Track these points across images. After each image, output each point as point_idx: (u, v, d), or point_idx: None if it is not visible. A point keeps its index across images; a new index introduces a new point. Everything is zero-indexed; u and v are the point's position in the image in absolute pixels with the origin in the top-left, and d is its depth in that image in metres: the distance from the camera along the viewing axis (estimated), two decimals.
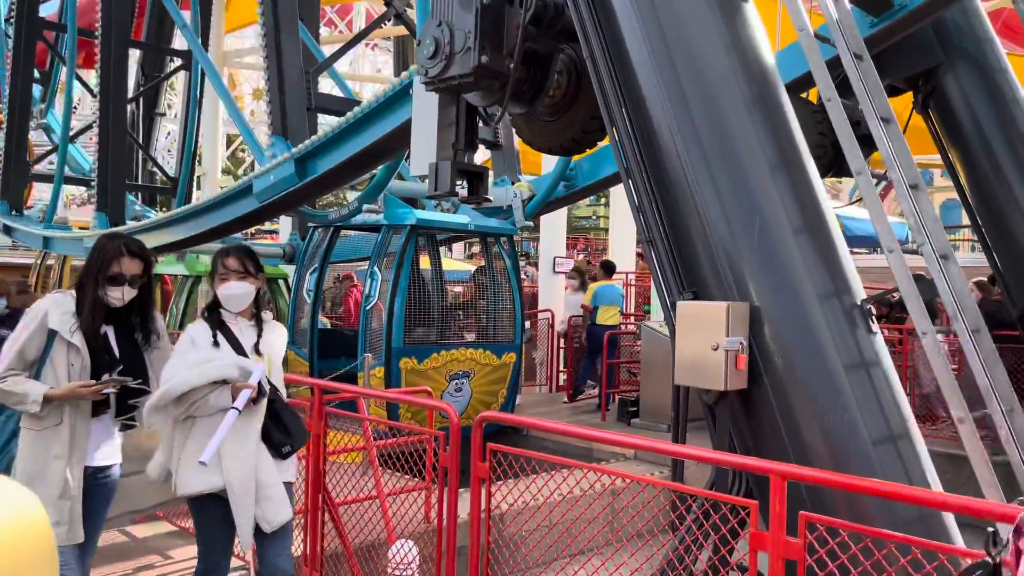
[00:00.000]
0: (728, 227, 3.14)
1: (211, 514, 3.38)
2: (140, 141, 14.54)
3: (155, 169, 15.29)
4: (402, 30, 14.74)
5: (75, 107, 18.34)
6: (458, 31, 3.73)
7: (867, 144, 3.58)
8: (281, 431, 3.42)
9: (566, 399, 11.09)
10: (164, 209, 14.23)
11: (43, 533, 0.72)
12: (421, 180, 4.30)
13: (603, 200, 29.02)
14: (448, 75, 3.81)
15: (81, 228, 11.96)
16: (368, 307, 7.95)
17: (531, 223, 8.89)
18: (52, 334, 3.26)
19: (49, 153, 14.85)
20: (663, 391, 8.43)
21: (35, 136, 15.29)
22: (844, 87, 3.44)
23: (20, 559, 0.72)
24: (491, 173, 8.98)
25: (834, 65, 3.61)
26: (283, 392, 3.61)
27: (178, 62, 14.60)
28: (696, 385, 3.11)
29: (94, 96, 10.79)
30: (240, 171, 33.92)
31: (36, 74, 14.18)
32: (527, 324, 9.88)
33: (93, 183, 10.48)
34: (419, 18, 5.85)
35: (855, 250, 17.30)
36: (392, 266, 7.85)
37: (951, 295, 3.21)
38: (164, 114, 18.67)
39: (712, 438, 3.20)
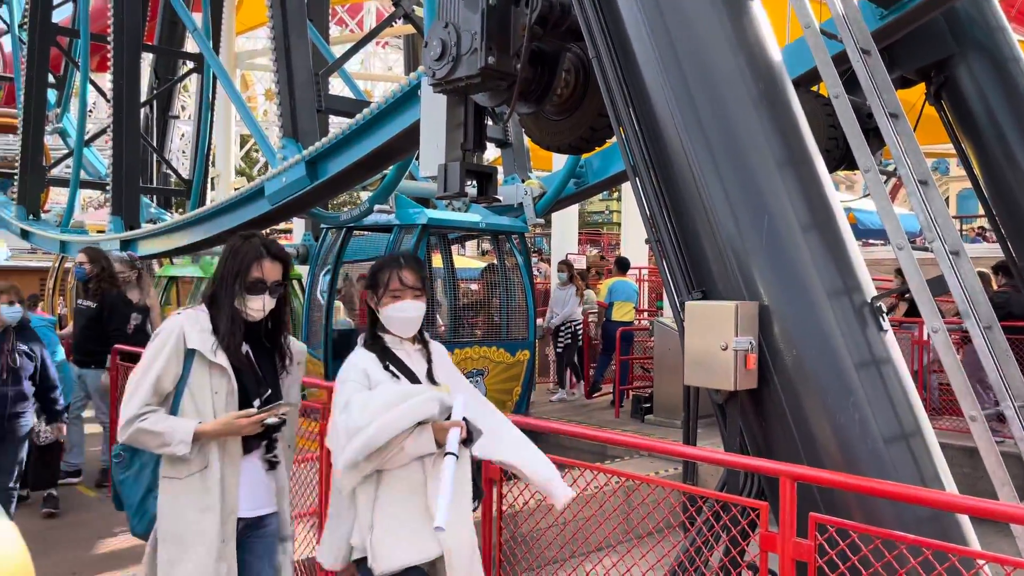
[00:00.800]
0: (736, 226, 3.12)
1: None
2: (154, 144, 14.66)
3: (169, 171, 15.42)
4: (412, 28, 14.77)
5: (90, 111, 18.50)
6: (464, 32, 3.73)
7: (878, 136, 3.55)
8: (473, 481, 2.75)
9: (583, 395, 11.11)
10: (179, 211, 14.37)
11: (21, 565, 0.72)
12: (431, 181, 4.30)
13: (615, 195, 28.95)
14: (455, 76, 3.81)
15: (98, 231, 12.09)
16: None
17: (542, 220, 8.89)
18: (189, 357, 2.71)
19: (65, 157, 14.99)
20: (677, 387, 8.41)
21: (51, 141, 15.46)
22: (853, 81, 3.41)
23: None
24: (501, 171, 9.02)
25: (843, 59, 3.59)
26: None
27: (190, 65, 14.70)
28: (706, 385, 3.10)
29: (108, 100, 10.89)
30: (254, 171, 34.09)
31: (51, 79, 14.33)
32: (539, 321, 9.87)
33: (108, 187, 10.58)
34: (427, 18, 5.86)
35: (870, 242, 17.19)
36: None
37: (963, 291, 3.18)
38: (178, 116, 18.82)
39: (723, 438, 3.19)
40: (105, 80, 11.05)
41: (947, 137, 5.60)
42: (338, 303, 8.99)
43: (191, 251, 9.37)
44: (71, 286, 13.94)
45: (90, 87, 13.02)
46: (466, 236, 10.37)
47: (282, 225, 20.89)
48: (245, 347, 2.81)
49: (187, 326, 2.73)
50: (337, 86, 12.52)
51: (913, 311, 8.56)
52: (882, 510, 2.77)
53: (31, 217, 12.96)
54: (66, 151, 15.29)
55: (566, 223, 15.03)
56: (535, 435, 3.76)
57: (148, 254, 9.86)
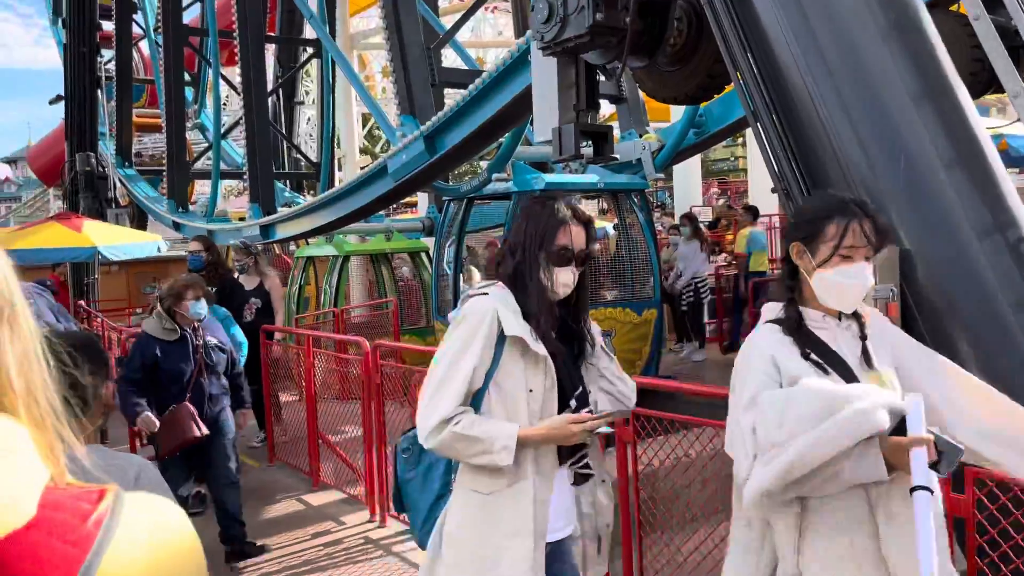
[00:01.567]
0: (870, 167, 2.94)
1: None
2: (283, 130, 15.38)
3: (299, 156, 16.14)
4: None
5: (224, 104, 19.66)
6: None
7: None
8: None
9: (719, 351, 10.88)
10: (312, 193, 15.03)
11: (193, 551, 0.78)
12: (547, 145, 4.29)
13: (740, 140, 27.85)
14: (564, 38, 3.77)
15: (239, 219, 12.84)
16: None
17: (662, 175, 8.69)
18: (499, 345, 2.27)
19: (206, 151, 15.97)
20: None
21: (192, 136, 16.52)
22: (997, 1, 3.11)
23: None
24: (617, 127, 8.86)
25: None
26: None
27: (310, 51, 15.25)
28: None
29: (238, 93, 11.48)
30: (377, 148, 35.08)
31: (187, 77, 15.25)
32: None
33: (245, 175, 11.20)
34: None
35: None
36: None
37: None
38: (303, 102, 19.61)
39: None
40: (235, 74, 11.65)
41: None
42: (472, 268, 9.17)
43: (324, 231, 9.79)
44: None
45: (222, 82, 13.77)
46: (585, 197, 10.29)
47: (407, 199, 21.50)
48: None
49: (500, 308, 2.28)
50: (451, 57, 12.65)
51: None
52: None
53: (180, 210, 13.90)
54: (206, 144, 16.31)
55: (688, 175, 14.65)
56: (672, 392, 3.70)
57: (285, 236, 10.39)
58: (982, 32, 2.79)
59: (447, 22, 11.15)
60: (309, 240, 11.97)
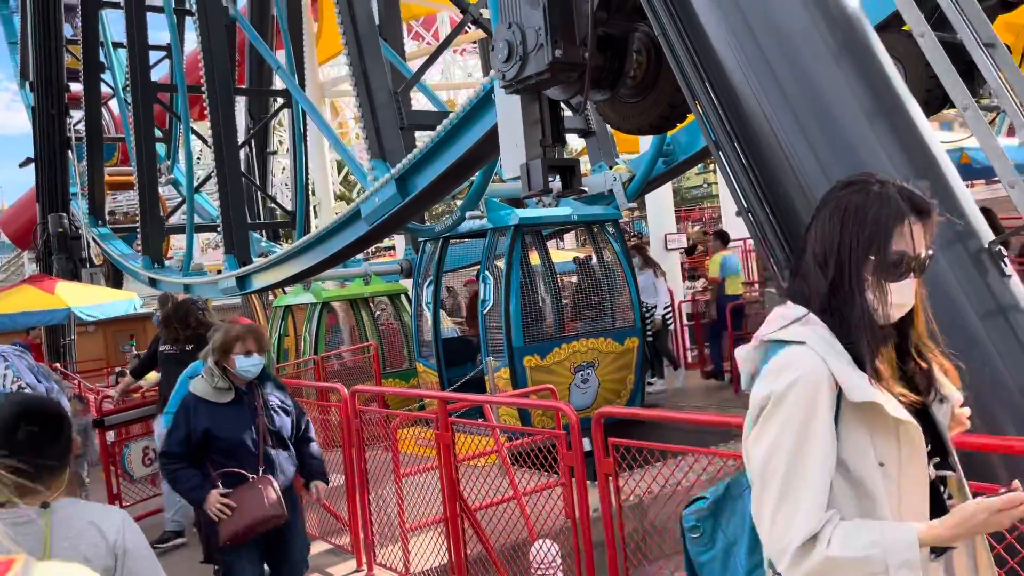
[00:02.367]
0: (829, 185, 2.98)
1: None
2: (256, 181, 15.40)
3: (274, 205, 16.15)
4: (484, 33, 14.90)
5: (198, 158, 19.66)
6: (529, 30, 3.74)
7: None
8: None
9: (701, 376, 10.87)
10: (288, 242, 15.00)
11: None
12: (517, 181, 4.32)
13: (711, 167, 28.24)
14: (525, 75, 3.82)
15: (216, 271, 12.77)
16: (485, 311, 8.07)
17: (635, 204, 8.77)
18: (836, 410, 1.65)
19: (179, 205, 15.94)
20: None
21: (166, 191, 16.51)
22: (945, 20, 3.19)
23: None
24: (588, 160, 8.95)
25: None
26: None
27: (280, 101, 15.35)
28: None
29: (210, 146, 11.50)
30: (354, 193, 35.20)
31: (158, 133, 15.28)
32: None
33: (220, 228, 11.17)
34: (492, 21, 5.88)
35: (991, 182, 16.02)
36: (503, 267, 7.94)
37: None
38: (276, 152, 19.66)
39: None
40: (207, 128, 11.68)
41: None
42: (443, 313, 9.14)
43: (301, 279, 9.76)
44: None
45: (193, 136, 13.80)
46: (561, 230, 10.35)
47: (385, 242, 21.49)
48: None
49: (833, 362, 1.64)
50: (421, 100, 12.77)
51: None
52: None
53: (156, 265, 13.82)
54: (180, 199, 16.28)
55: (661, 203, 14.78)
56: (655, 425, 3.67)
57: (263, 286, 10.34)
58: (928, 48, 2.86)
59: (415, 66, 11.27)
60: (286, 289, 11.92)
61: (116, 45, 15.89)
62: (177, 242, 20.38)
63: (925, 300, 1.79)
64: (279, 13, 12.34)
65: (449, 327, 9.84)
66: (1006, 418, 2.76)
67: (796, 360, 1.66)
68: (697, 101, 3.38)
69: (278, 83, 15.73)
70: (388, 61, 7.65)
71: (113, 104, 17.65)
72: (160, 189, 14.91)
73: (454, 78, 36.17)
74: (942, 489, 1.76)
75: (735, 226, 13.59)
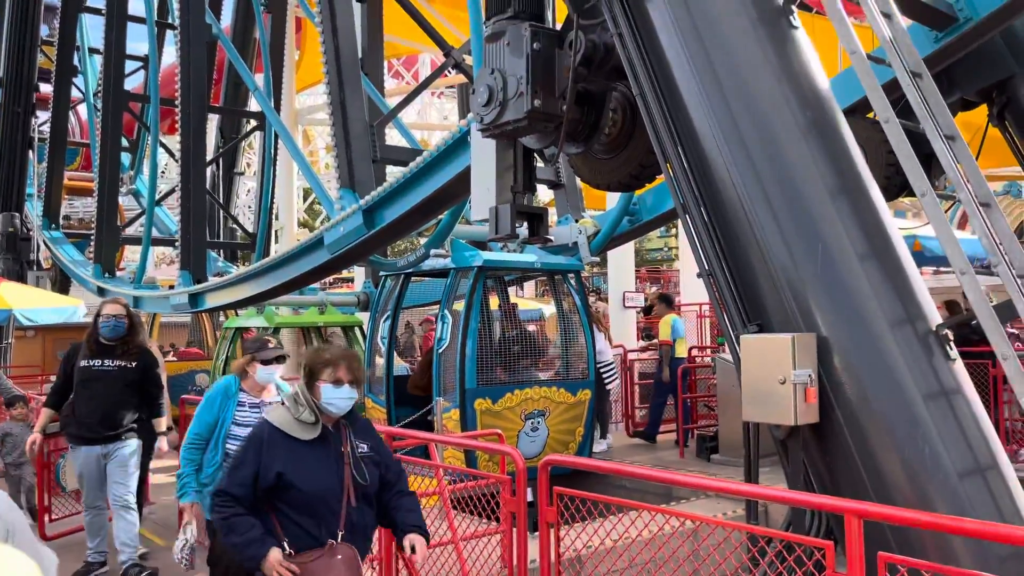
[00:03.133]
0: (790, 256, 3.07)
1: None
2: (221, 200, 15.24)
3: (235, 226, 15.97)
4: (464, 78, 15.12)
5: (162, 172, 19.36)
6: (510, 77, 3.81)
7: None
8: None
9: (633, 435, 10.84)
10: (246, 264, 14.82)
11: None
12: (484, 224, 4.35)
13: (673, 231, 28.77)
14: (503, 121, 3.88)
15: (169, 286, 12.52)
16: (440, 350, 8.02)
17: (597, 259, 8.87)
18: None
19: (138, 216, 15.67)
20: (742, 425, 8.20)
21: (127, 201, 16.23)
22: (910, 107, 3.34)
23: None
24: (555, 211, 9.05)
25: (897, 86, 3.52)
26: None
27: (254, 123, 15.30)
28: (765, 421, 3.02)
29: (176, 160, 11.39)
30: (317, 222, 35.00)
31: (125, 143, 15.08)
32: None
33: (178, 243, 11.00)
34: (475, 66, 5.99)
35: (942, 270, 16.59)
36: (462, 308, 7.93)
37: None
38: (243, 173, 19.52)
39: (786, 475, 3.09)
40: (175, 142, 11.57)
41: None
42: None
43: (256, 302, 9.62)
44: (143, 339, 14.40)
45: (161, 149, 13.65)
46: (523, 277, 10.40)
47: (343, 273, 21.34)
48: None
49: None
50: (395, 137, 12.85)
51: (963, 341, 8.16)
52: (958, 548, 2.64)
53: (107, 275, 13.51)
54: (139, 211, 16.02)
55: (622, 261, 15.00)
56: (599, 477, 3.65)
57: (215, 306, 10.16)
58: (891, 133, 2.99)
59: (392, 103, 11.35)
60: (238, 311, 11.72)
61: (92, 51, 15.75)
62: (131, 254, 19.98)
63: None
64: (262, 37, 12.39)
65: (403, 364, 9.75)
66: (940, 497, 2.82)
67: None
68: (668, 163, 3.47)
69: (253, 105, 15.71)
70: (367, 94, 7.71)
71: (81, 109, 17.41)
72: (120, 198, 14.67)
73: (430, 119, 36.52)
74: None
75: (693, 289, 13.82)
